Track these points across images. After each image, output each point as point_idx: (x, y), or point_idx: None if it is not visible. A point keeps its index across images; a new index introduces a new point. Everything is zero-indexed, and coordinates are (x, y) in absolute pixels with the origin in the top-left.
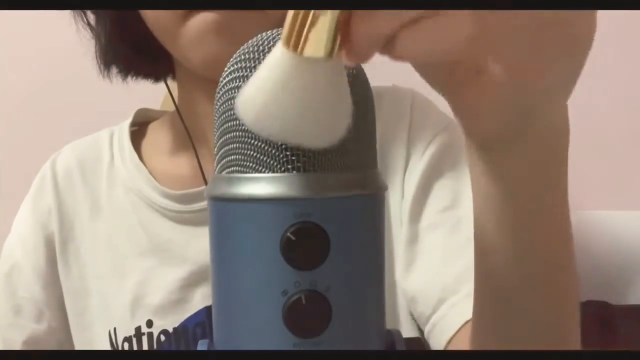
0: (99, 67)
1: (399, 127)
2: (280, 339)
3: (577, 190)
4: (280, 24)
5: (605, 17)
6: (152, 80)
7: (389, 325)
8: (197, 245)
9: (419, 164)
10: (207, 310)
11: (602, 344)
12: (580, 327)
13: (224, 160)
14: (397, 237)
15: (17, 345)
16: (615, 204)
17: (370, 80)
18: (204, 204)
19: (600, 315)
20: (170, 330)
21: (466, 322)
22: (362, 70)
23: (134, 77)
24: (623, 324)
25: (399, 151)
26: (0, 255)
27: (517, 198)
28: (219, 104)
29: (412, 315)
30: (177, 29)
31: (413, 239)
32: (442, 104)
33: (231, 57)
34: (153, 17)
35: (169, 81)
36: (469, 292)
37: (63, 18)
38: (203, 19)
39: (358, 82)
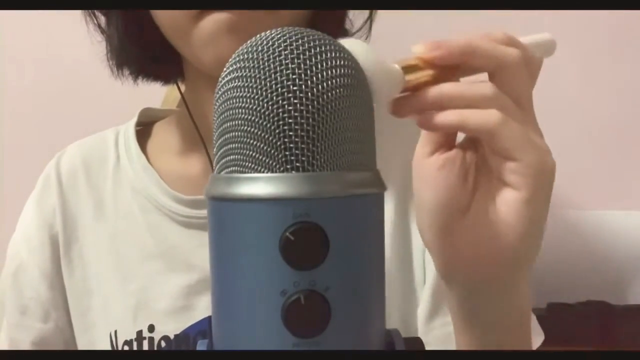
0: (111, 69)
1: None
2: (279, 339)
3: (577, 190)
4: (292, 24)
5: (605, 17)
6: (162, 83)
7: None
8: (205, 252)
9: None
10: (210, 319)
11: (602, 344)
12: (580, 327)
13: (223, 160)
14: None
15: (24, 346)
16: (615, 204)
17: None
18: None
19: (600, 315)
20: (172, 337)
21: None
22: (361, 70)
23: (145, 79)
24: (623, 324)
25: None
26: (6, 255)
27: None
28: (218, 103)
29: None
30: (189, 29)
31: (441, 290)
32: None
33: None
34: (165, 17)
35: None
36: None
37: (66, 18)
38: (216, 18)
39: (357, 82)
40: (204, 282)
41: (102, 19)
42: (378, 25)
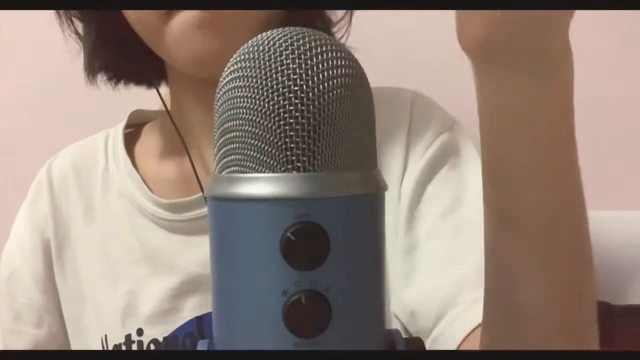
0: (87, 77)
1: (398, 130)
2: (280, 339)
3: None
4: (264, 21)
5: (605, 17)
6: (146, 87)
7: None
8: (188, 254)
9: (416, 168)
10: (197, 320)
11: (602, 344)
12: None
13: (224, 160)
14: (392, 245)
15: None
16: (615, 204)
17: (371, 81)
18: (195, 213)
19: (600, 315)
20: (161, 339)
21: (465, 337)
22: (361, 70)
23: (125, 84)
24: (623, 324)
25: (397, 154)
26: (0, 262)
27: (519, 113)
28: (219, 103)
29: (405, 329)
30: (160, 28)
31: (410, 248)
32: (446, 107)
33: (216, 52)
34: (136, 18)
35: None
36: (467, 304)
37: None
38: (186, 15)
39: (358, 82)
40: (188, 284)
41: (79, 25)
42: (372, 22)
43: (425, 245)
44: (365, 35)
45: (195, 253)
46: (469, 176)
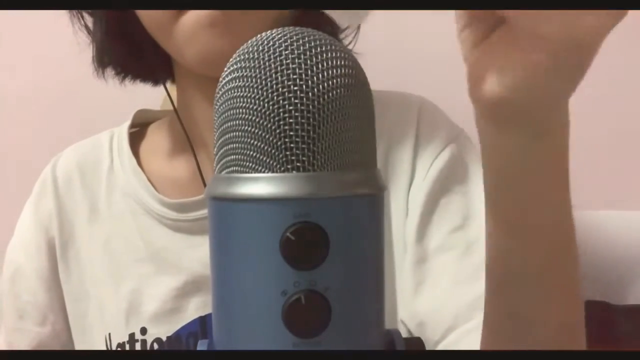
0: (96, 70)
1: (406, 134)
2: (280, 339)
3: (577, 190)
4: (274, 22)
5: None
6: (152, 84)
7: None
8: (192, 254)
9: (426, 179)
10: (201, 320)
11: (602, 344)
12: None
13: (224, 160)
14: (398, 253)
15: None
16: (615, 204)
17: (376, 87)
18: (200, 213)
19: (600, 315)
20: (164, 339)
21: None
22: (361, 69)
23: (132, 80)
24: (623, 324)
25: (404, 163)
26: (4, 260)
27: (521, 174)
28: (219, 103)
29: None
30: (171, 25)
31: (422, 259)
32: (451, 114)
33: (225, 51)
34: (147, 15)
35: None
36: (480, 322)
37: (64, 17)
38: (197, 14)
39: (357, 82)
40: (192, 284)
41: (89, 19)
42: (375, 25)
43: (436, 258)
44: (370, 40)
45: (200, 253)
46: (475, 192)
